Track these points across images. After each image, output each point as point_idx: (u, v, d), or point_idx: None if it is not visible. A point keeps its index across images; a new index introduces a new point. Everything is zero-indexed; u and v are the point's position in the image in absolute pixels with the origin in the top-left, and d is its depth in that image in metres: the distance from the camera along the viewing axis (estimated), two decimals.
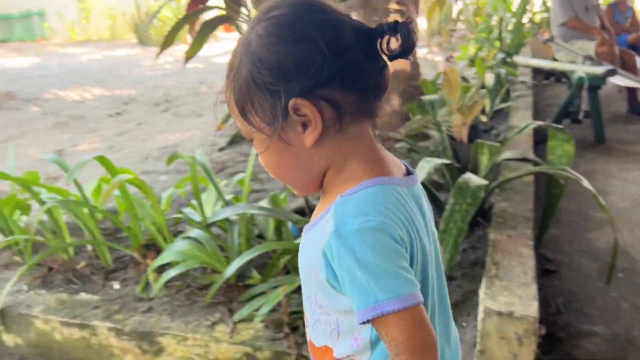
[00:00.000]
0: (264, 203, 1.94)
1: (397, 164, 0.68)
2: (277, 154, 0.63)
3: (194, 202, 1.82)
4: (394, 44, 0.60)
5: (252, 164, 1.83)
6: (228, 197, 1.88)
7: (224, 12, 1.91)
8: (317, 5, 0.62)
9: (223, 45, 10.88)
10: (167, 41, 1.81)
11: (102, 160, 1.69)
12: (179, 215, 1.74)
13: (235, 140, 3.57)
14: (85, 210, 1.76)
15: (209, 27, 1.86)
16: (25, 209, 1.84)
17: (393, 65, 0.64)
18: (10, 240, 1.77)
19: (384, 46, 0.60)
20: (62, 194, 1.86)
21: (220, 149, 3.47)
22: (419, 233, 0.63)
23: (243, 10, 1.88)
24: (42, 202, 1.72)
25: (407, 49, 0.60)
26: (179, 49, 10.39)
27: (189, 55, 1.93)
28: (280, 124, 0.60)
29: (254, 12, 1.95)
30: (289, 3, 0.62)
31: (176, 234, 1.83)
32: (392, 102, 3.55)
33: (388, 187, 0.62)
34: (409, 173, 0.68)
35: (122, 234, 1.98)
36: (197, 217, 1.73)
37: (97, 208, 1.77)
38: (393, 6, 3.36)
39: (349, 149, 0.63)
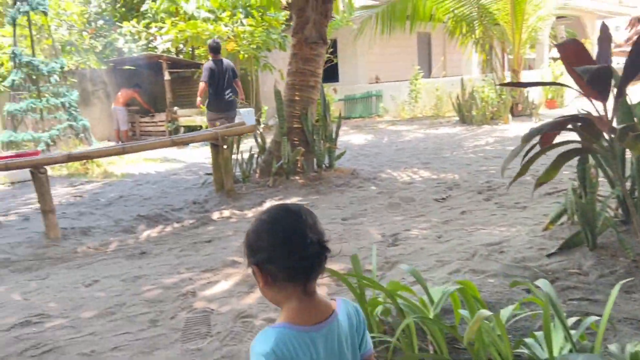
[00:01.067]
0: (614, 347, 1.81)
1: (322, 310, 1.12)
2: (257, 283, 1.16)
3: (537, 333, 1.84)
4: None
5: (611, 302, 1.73)
6: (574, 332, 1.83)
7: (579, 145, 1.91)
8: (285, 221, 1.11)
9: None
10: (521, 171, 1.91)
11: (463, 285, 1.87)
12: (524, 351, 1.78)
13: (568, 245, 3.40)
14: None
15: (565, 158, 1.89)
16: (386, 312, 2.16)
17: None
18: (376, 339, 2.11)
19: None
20: (406, 290, 2.13)
21: (549, 255, 3.35)
22: None
23: (603, 142, 1.84)
24: (399, 309, 2.00)
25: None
26: (500, 128, 10.58)
27: (542, 182, 1.99)
28: (252, 271, 1.14)
29: (614, 146, 1.90)
30: (271, 216, 1.13)
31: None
32: None
33: (289, 331, 1.07)
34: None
35: (459, 343, 2.11)
36: (541, 353, 1.74)
37: (446, 327, 1.95)
38: None
39: (285, 298, 1.12)
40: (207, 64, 8.38)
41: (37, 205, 4.85)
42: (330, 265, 3.51)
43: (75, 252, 4.25)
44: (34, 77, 10.17)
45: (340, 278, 2.04)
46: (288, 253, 1.08)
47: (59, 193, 6.69)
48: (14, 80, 10.02)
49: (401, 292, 2.11)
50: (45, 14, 10.47)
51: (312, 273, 1.11)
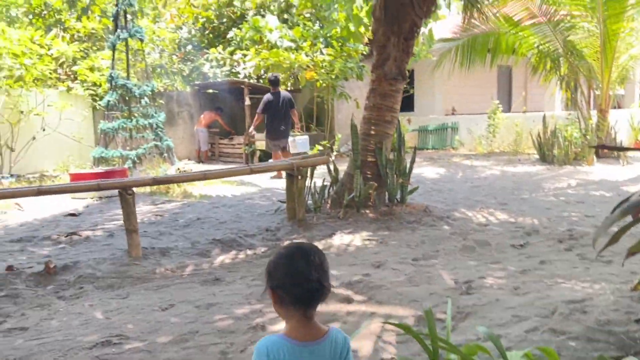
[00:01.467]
0: None
1: (315, 332, 1.40)
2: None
3: None
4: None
5: None
6: None
7: None
8: (296, 258, 1.39)
9: (634, 169, 9.92)
10: (613, 240, 1.81)
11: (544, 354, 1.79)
12: None
13: None
14: None
15: None
16: None
17: None
18: None
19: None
20: (482, 351, 2.06)
21: (638, 320, 3.12)
22: None
23: None
24: None
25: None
26: (584, 169, 10.06)
27: (634, 251, 1.87)
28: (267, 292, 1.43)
29: None
30: (287, 252, 1.42)
31: None
32: None
33: (283, 342, 1.37)
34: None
35: None
36: None
37: None
38: None
39: (288, 317, 1.40)
40: (266, 96, 9.65)
41: (122, 222, 5.15)
42: (401, 309, 3.44)
43: (154, 273, 4.45)
44: (127, 98, 10.89)
45: (415, 337, 2.01)
46: (294, 285, 1.37)
47: (142, 211, 7.07)
48: (109, 101, 10.79)
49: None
50: (141, 40, 11.24)
51: (311, 303, 1.39)
